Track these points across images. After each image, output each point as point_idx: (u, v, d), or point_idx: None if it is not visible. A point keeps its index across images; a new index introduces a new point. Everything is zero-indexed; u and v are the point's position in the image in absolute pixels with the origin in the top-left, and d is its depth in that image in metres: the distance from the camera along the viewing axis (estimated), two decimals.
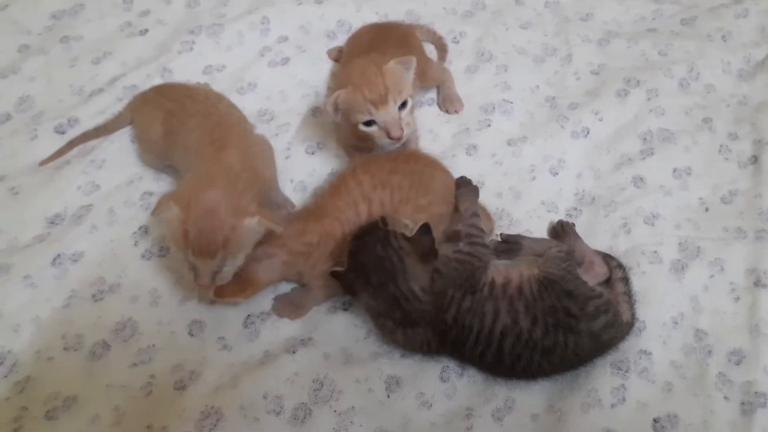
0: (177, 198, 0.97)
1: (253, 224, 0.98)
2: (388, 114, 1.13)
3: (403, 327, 1.04)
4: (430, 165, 1.22)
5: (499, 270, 1.07)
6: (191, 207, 0.95)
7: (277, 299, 1.16)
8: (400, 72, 1.15)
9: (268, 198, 1.21)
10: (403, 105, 1.15)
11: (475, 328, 1.01)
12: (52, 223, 1.21)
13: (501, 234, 1.22)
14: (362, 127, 1.15)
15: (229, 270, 1.01)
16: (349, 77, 1.16)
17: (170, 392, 1.06)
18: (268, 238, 1.07)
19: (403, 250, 1.00)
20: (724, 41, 1.58)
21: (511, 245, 1.19)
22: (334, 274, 1.04)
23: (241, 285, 1.06)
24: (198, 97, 1.23)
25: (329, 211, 1.13)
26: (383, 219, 1.04)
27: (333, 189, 1.18)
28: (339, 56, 1.51)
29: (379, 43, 1.35)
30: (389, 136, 1.14)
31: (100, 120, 1.34)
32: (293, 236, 1.10)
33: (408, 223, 1.04)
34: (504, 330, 1.01)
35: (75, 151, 1.30)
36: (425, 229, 1.00)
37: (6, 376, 1.05)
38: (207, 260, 0.97)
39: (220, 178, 1.00)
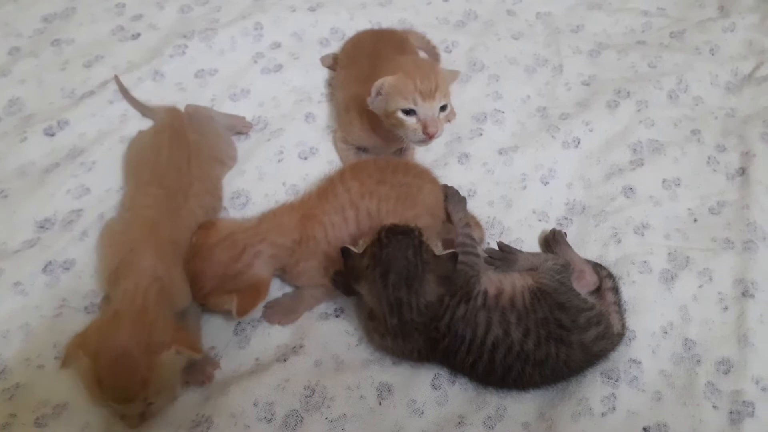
0: (85, 344, 0.91)
1: (170, 357, 0.92)
2: (431, 109, 1.15)
3: (393, 336, 1.04)
4: (419, 176, 1.22)
5: (491, 280, 1.07)
6: (100, 354, 0.89)
7: (267, 306, 1.16)
8: (447, 78, 1.19)
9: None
10: (443, 109, 1.17)
11: (468, 337, 1.01)
12: (41, 227, 1.19)
13: (498, 242, 1.22)
14: (400, 115, 1.16)
15: (159, 405, 0.97)
16: (400, 67, 1.18)
17: None
18: (244, 233, 1.08)
19: (429, 265, 1.00)
20: (712, 54, 1.61)
21: (506, 254, 1.19)
22: (344, 252, 1.02)
23: (253, 292, 1.05)
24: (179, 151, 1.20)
25: (314, 213, 1.13)
26: (419, 229, 1.03)
27: (320, 192, 1.17)
28: (333, 63, 1.51)
29: (380, 49, 1.36)
30: (425, 131, 1.15)
31: (91, 122, 1.34)
32: (272, 229, 1.10)
33: (438, 244, 1.04)
34: (495, 341, 1.01)
35: (64, 152, 1.30)
36: (453, 256, 1.00)
37: None
38: (128, 404, 0.91)
39: (128, 314, 0.94)
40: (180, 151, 1.19)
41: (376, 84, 1.15)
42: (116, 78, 1.38)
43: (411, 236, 1.01)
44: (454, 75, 1.20)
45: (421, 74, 1.15)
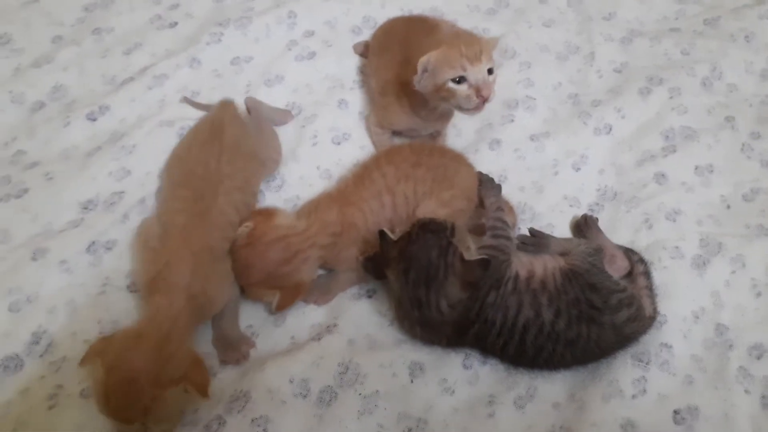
0: (104, 353, 0.91)
1: (177, 394, 0.91)
2: (480, 72, 1.13)
3: (421, 326, 1.06)
4: (455, 159, 1.24)
5: (522, 263, 1.08)
6: (112, 370, 0.89)
7: None
8: (489, 44, 1.18)
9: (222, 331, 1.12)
10: (489, 72, 1.16)
11: (498, 321, 1.03)
12: (85, 208, 1.23)
13: (530, 228, 1.23)
14: (451, 85, 1.14)
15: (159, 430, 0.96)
16: (441, 41, 1.16)
17: None
18: (297, 236, 1.10)
19: (453, 267, 0.99)
20: (747, 42, 1.59)
21: (538, 240, 1.20)
22: (381, 234, 1.04)
23: (294, 292, 1.09)
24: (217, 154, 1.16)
25: (353, 200, 1.16)
26: (453, 228, 1.02)
27: (357, 179, 1.19)
28: (365, 51, 1.53)
29: (411, 35, 1.37)
30: (479, 95, 1.13)
31: (131, 108, 1.38)
32: (320, 231, 1.12)
33: (471, 247, 1.02)
34: (526, 323, 1.02)
35: (106, 136, 1.34)
36: (484, 264, 0.98)
37: (41, 356, 1.07)
38: (126, 426, 0.91)
39: (151, 338, 0.93)
40: (211, 148, 1.17)
41: (421, 61, 1.14)
42: (185, 98, 1.40)
43: (440, 236, 1.00)
44: (494, 42, 1.20)
45: (464, 41, 1.14)
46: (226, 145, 1.18)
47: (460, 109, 1.19)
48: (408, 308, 1.04)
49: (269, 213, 1.13)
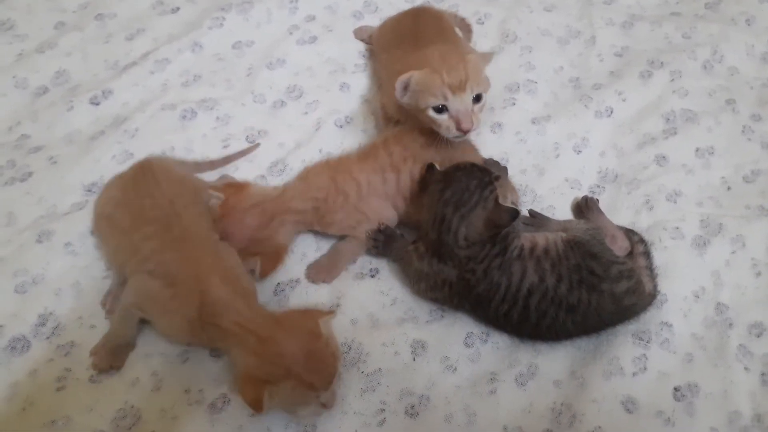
0: (262, 378, 0.90)
1: (326, 322, 0.96)
2: (462, 103, 1.09)
3: (430, 256, 1.07)
4: (462, 142, 1.25)
5: (526, 237, 1.09)
6: (292, 368, 0.90)
7: (309, 267, 1.19)
8: (480, 65, 1.13)
9: None
10: (477, 99, 1.12)
11: (503, 285, 1.04)
12: (89, 191, 1.24)
13: (530, 210, 1.24)
14: (431, 113, 1.11)
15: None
16: (427, 60, 1.12)
17: (207, 359, 1.09)
18: (272, 202, 1.13)
19: (485, 202, 1.03)
20: (748, 25, 1.59)
21: (537, 221, 1.21)
22: (429, 166, 1.09)
23: (275, 257, 1.13)
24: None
25: (350, 170, 1.18)
26: (497, 178, 1.06)
27: (362, 155, 1.22)
28: (367, 38, 1.53)
29: (420, 28, 1.36)
30: (459, 128, 1.10)
31: (134, 92, 1.39)
32: (296, 195, 1.15)
33: (509, 197, 1.05)
34: (531, 288, 1.04)
35: (109, 120, 1.35)
36: (513, 213, 1.01)
37: (48, 338, 1.07)
38: (334, 382, 0.95)
39: (266, 330, 0.94)
40: (145, 186, 1.11)
41: (401, 79, 1.10)
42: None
43: (485, 174, 1.05)
44: (486, 58, 1.14)
45: (448, 67, 1.09)
46: (160, 178, 1.12)
47: (442, 134, 1.15)
48: (429, 228, 1.06)
49: (240, 186, 1.17)
